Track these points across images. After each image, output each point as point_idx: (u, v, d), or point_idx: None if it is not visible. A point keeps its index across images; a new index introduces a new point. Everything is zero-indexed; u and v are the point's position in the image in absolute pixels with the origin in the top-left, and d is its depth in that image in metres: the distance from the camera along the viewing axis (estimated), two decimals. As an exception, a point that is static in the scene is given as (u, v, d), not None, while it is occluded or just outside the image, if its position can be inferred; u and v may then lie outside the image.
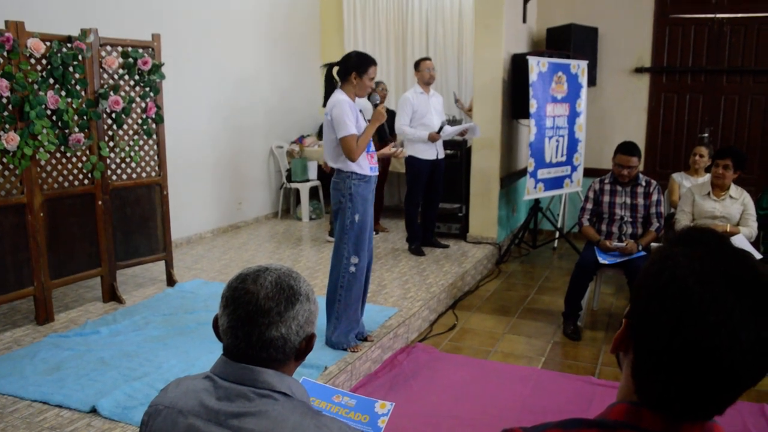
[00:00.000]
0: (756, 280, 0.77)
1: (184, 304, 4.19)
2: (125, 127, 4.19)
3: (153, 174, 4.40)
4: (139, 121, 4.27)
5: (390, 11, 7.38)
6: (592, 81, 6.20)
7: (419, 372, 3.61)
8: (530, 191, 5.63)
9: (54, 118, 3.76)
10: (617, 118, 6.54)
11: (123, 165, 4.23)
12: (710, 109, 6.25)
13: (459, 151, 5.92)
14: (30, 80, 3.57)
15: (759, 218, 4.33)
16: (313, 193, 7.02)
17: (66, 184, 3.89)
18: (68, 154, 3.88)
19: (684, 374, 0.77)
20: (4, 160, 3.53)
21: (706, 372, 0.76)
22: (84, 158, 3.97)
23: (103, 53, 4.02)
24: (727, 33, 6.07)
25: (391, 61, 7.46)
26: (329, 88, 3.46)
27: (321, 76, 3.59)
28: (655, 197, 4.20)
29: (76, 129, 3.88)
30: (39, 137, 3.64)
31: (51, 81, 3.72)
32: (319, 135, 7.23)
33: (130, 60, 4.13)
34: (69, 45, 3.78)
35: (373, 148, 3.51)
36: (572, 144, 5.93)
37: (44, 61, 3.67)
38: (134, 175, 4.30)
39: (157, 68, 4.26)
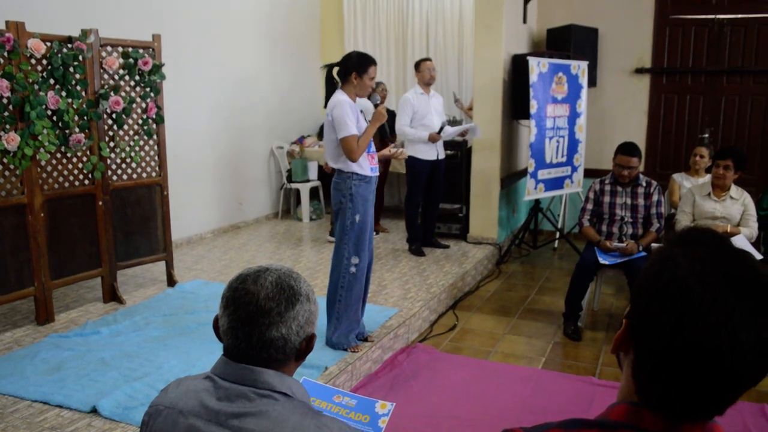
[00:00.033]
0: (756, 281, 0.77)
1: (184, 304, 4.19)
2: (126, 127, 4.19)
3: (153, 174, 4.41)
4: (140, 121, 4.27)
5: (390, 11, 7.39)
6: (592, 82, 6.20)
7: (419, 372, 3.61)
8: (530, 192, 5.63)
9: (54, 118, 3.76)
10: (617, 119, 6.54)
11: (123, 165, 4.23)
12: (710, 110, 6.25)
13: (459, 152, 5.92)
14: (30, 80, 3.58)
15: (759, 219, 4.32)
16: (314, 193, 7.03)
17: (66, 184, 3.89)
18: (69, 155, 3.88)
19: (684, 375, 0.77)
20: (5, 160, 3.54)
21: (707, 372, 0.76)
22: (84, 158, 3.98)
23: (104, 54, 4.02)
24: (727, 34, 6.07)
25: (391, 61, 7.47)
26: (330, 88, 3.47)
27: (321, 76, 3.60)
28: (655, 198, 4.20)
29: (77, 129, 3.88)
30: (39, 137, 3.64)
31: (51, 81, 3.72)
32: (320, 135, 7.23)
33: (131, 60, 4.13)
34: (69, 45, 3.79)
35: (373, 148, 3.51)
36: (572, 145, 5.94)
37: (45, 62, 3.67)
38: (135, 176, 4.30)
39: (157, 68, 4.26)
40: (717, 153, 4.37)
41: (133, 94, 4.20)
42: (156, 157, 4.40)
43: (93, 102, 3.96)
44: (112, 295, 4.22)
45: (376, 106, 3.56)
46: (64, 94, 3.80)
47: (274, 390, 1.17)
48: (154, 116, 4.31)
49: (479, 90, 5.79)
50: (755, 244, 4.39)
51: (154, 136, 4.36)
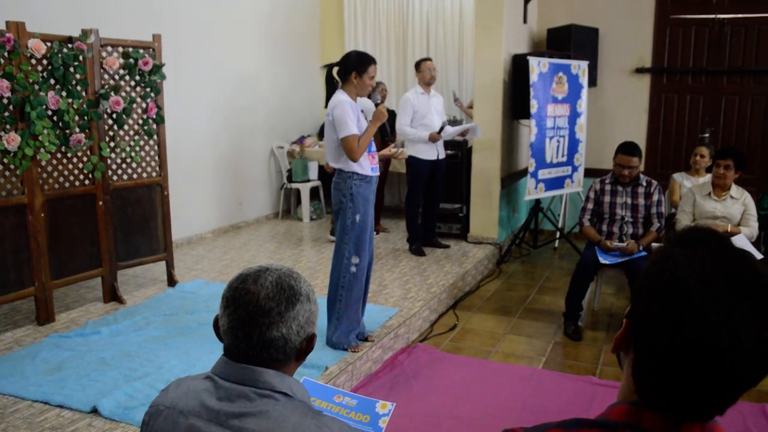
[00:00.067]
0: (757, 280, 0.77)
1: (184, 304, 4.19)
2: (126, 127, 4.19)
3: (154, 174, 4.41)
4: (140, 121, 4.27)
5: (390, 12, 7.38)
6: (592, 81, 6.20)
7: (420, 372, 3.61)
8: (531, 191, 5.63)
9: (55, 118, 3.76)
10: (618, 119, 6.54)
11: (124, 165, 4.23)
12: (711, 110, 6.25)
13: (460, 152, 5.92)
14: (31, 81, 3.58)
15: (760, 218, 4.33)
16: (314, 193, 7.03)
17: (67, 184, 3.89)
18: (69, 155, 3.88)
19: (685, 374, 0.77)
20: (5, 160, 3.54)
21: (707, 372, 0.76)
22: (85, 159, 3.98)
23: (104, 54, 4.02)
24: (727, 33, 6.07)
25: (391, 61, 7.47)
26: (330, 88, 3.47)
27: (321, 76, 3.60)
28: (655, 197, 4.20)
29: (77, 129, 3.88)
30: (40, 138, 3.64)
31: (52, 81, 3.72)
32: (320, 135, 7.23)
33: (131, 60, 4.13)
34: (70, 45, 3.79)
35: (374, 148, 3.52)
36: (573, 144, 5.93)
37: (45, 62, 3.67)
38: (135, 176, 4.30)
39: (157, 69, 4.26)
40: (717, 153, 4.37)
41: (133, 94, 4.20)
42: (156, 157, 4.41)
43: (93, 102, 3.96)
44: (112, 295, 4.22)
45: (376, 105, 3.56)
46: (64, 94, 3.80)
47: (274, 390, 1.17)
48: (154, 116, 4.31)
49: (479, 90, 5.79)
50: (755, 244, 4.39)
51: (155, 136, 4.36)
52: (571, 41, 6.01)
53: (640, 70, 6.39)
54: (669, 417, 0.81)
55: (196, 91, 5.82)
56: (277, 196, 7.14)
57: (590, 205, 4.34)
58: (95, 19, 4.46)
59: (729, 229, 4.01)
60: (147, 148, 4.35)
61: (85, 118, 3.91)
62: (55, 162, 3.81)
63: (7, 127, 3.49)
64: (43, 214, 3.73)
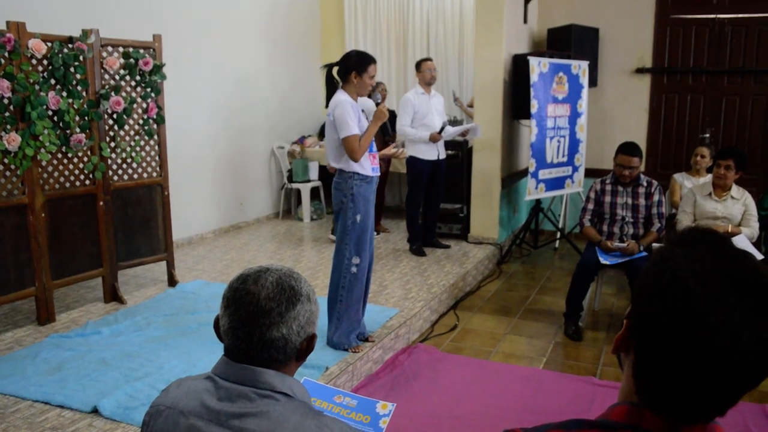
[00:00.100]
0: (757, 281, 0.76)
1: (185, 304, 4.19)
2: (126, 127, 4.19)
3: (154, 174, 4.41)
4: (140, 121, 4.27)
5: (391, 11, 7.39)
6: (593, 81, 6.20)
7: (420, 372, 3.61)
8: (531, 192, 5.63)
9: (55, 118, 3.76)
10: (618, 119, 6.54)
11: (124, 165, 4.23)
12: (711, 110, 6.25)
13: (460, 152, 5.92)
14: (31, 81, 3.58)
15: (760, 219, 4.33)
16: (315, 193, 7.03)
17: (67, 184, 3.89)
18: (69, 155, 3.89)
19: (685, 375, 0.77)
20: (6, 160, 3.54)
21: (708, 373, 0.76)
22: (85, 159, 3.98)
23: (104, 54, 4.03)
24: (728, 33, 6.07)
25: (392, 61, 7.47)
26: (330, 88, 3.47)
27: (321, 76, 3.60)
28: (656, 198, 4.19)
29: (78, 129, 3.88)
30: (40, 138, 3.64)
31: (52, 81, 3.72)
32: (320, 135, 7.24)
33: (131, 60, 4.13)
34: (70, 46, 3.79)
35: (375, 148, 3.52)
36: (573, 144, 5.93)
37: (45, 62, 3.67)
38: (135, 176, 4.30)
39: (158, 69, 4.26)
40: (718, 153, 4.37)
41: (133, 94, 4.20)
42: (157, 157, 4.41)
43: (94, 102, 3.97)
44: (113, 295, 4.22)
45: (377, 104, 3.56)
46: (64, 94, 3.80)
47: (274, 390, 1.17)
48: (154, 116, 4.31)
49: (480, 90, 5.79)
50: (756, 244, 4.39)
51: (155, 136, 4.37)
52: (571, 41, 6.01)
53: (640, 70, 6.39)
54: (670, 418, 0.81)
55: (197, 91, 5.82)
56: (277, 196, 7.14)
57: (591, 206, 4.33)
58: (95, 19, 4.46)
59: (730, 230, 4.01)
60: (147, 148, 4.35)
61: (86, 118, 3.91)
62: (55, 162, 3.81)
63: (8, 127, 3.49)
64: (43, 214, 3.73)
